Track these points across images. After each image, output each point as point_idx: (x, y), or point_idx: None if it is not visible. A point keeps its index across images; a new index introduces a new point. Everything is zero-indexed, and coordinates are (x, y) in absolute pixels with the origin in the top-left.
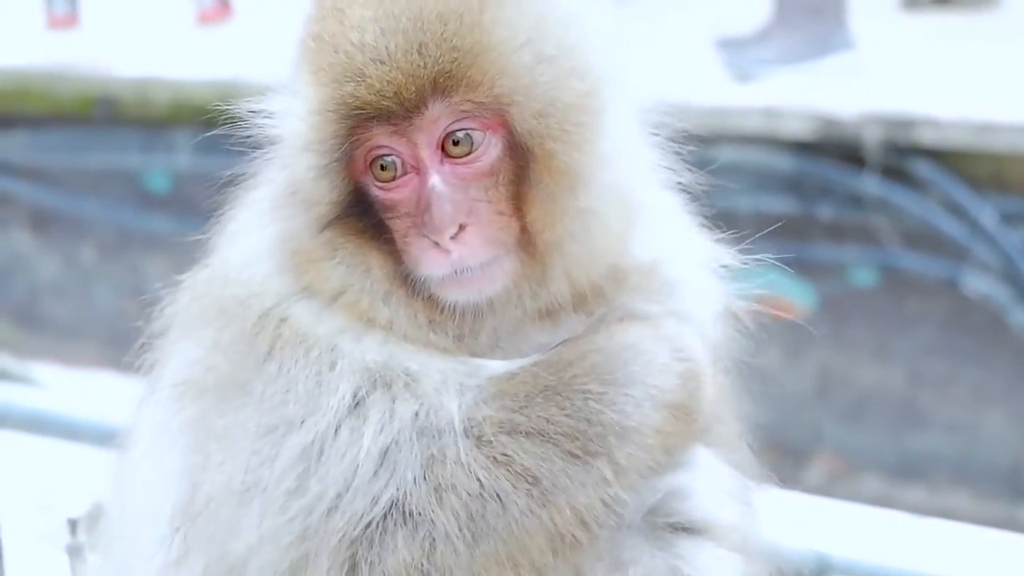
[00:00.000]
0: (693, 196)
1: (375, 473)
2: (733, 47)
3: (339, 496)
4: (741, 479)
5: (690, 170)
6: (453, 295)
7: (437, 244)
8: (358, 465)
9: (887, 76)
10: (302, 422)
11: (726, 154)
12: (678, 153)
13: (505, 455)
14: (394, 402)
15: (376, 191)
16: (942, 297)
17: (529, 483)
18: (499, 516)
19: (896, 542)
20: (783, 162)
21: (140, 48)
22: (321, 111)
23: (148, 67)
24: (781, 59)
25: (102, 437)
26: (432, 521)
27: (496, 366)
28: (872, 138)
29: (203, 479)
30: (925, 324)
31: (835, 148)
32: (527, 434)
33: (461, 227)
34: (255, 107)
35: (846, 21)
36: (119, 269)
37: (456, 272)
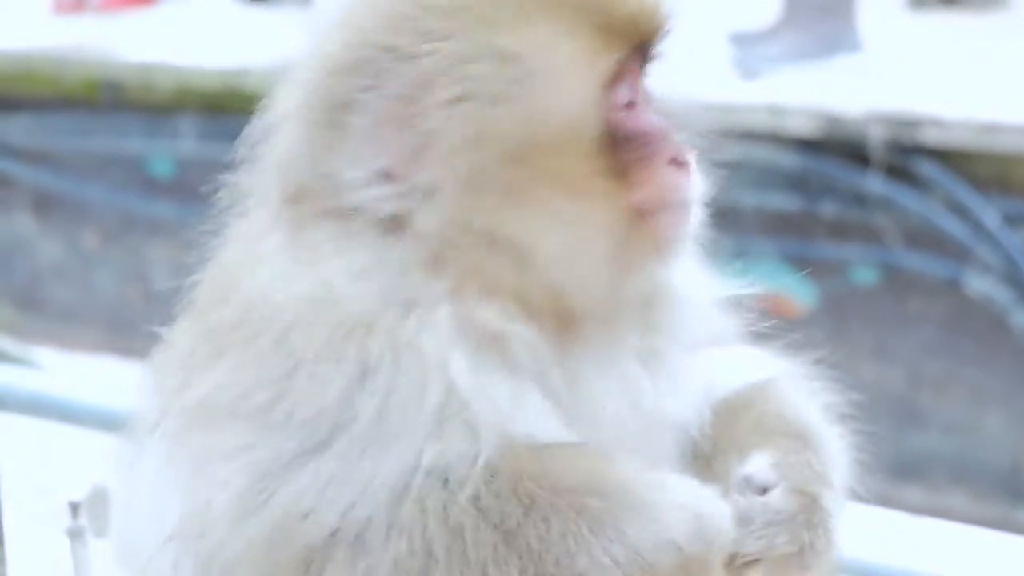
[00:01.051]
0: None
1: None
2: (740, 44)
3: (319, 507)
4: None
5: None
6: (675, 226)
7: (682, 165)
8: (362, 492)
9: (893, 75)
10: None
11: (730, 150)
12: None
13: (460, 525)
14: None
15: (627, 121)
16: (943, 297)
17: None
18: None
19: (893, 541)
20: (787, 159)
21: (145, 33)
22: (600, 32)
23: (153, 52)
24: (788, 57)
25: (103, 421)
26: (379, 555)
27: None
28: (877, 137)
29: (204, 496)
30: (926, 324)
31: (839, 146)
32: (493, 526)
33: None
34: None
35: (854, 21)
36: (121, 254)
37: (688, 198)
